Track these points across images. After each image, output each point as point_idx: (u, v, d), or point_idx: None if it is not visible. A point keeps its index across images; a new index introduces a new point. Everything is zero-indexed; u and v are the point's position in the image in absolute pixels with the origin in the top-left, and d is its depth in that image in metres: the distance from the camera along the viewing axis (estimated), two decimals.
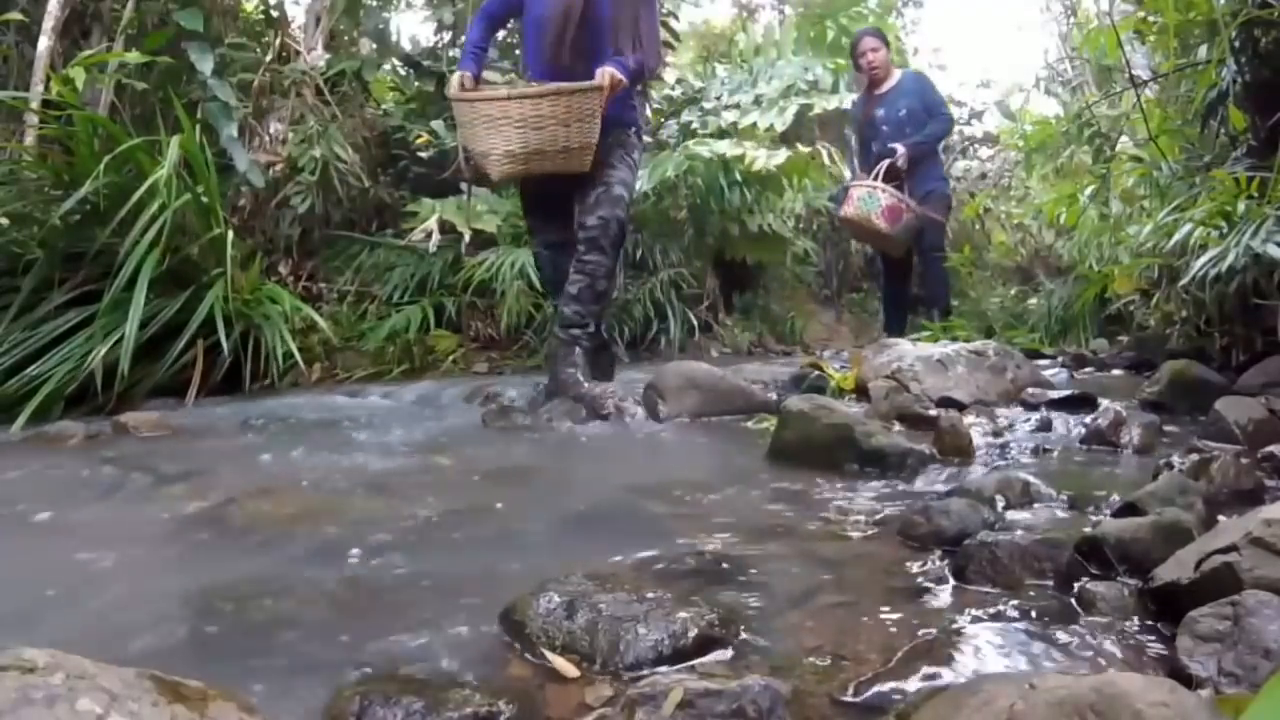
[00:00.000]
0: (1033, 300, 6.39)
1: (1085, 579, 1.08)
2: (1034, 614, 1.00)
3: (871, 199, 4.54)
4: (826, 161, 5.94)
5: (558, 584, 1.00)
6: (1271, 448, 1.63)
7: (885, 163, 4.58)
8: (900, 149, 4.57)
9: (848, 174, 5.35)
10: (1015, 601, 1.03)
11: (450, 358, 4.27)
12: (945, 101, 5.01)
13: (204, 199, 3.39)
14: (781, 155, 5.07)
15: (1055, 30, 8.79)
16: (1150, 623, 0.97)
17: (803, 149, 5.44)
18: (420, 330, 4.29)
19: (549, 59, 2.84)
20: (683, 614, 0.94)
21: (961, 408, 2.34)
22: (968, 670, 0.87)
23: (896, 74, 4.90)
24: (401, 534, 1.42)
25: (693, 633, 0.92)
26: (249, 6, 5.12)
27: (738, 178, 5.35)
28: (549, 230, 3.01)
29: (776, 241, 5.92)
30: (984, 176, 4.17)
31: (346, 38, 5.55)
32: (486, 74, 4.73)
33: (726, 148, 5.04)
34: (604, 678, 0.88)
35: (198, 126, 3.73)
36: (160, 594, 1.15)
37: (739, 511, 1.51)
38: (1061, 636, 0.94)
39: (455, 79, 2.88)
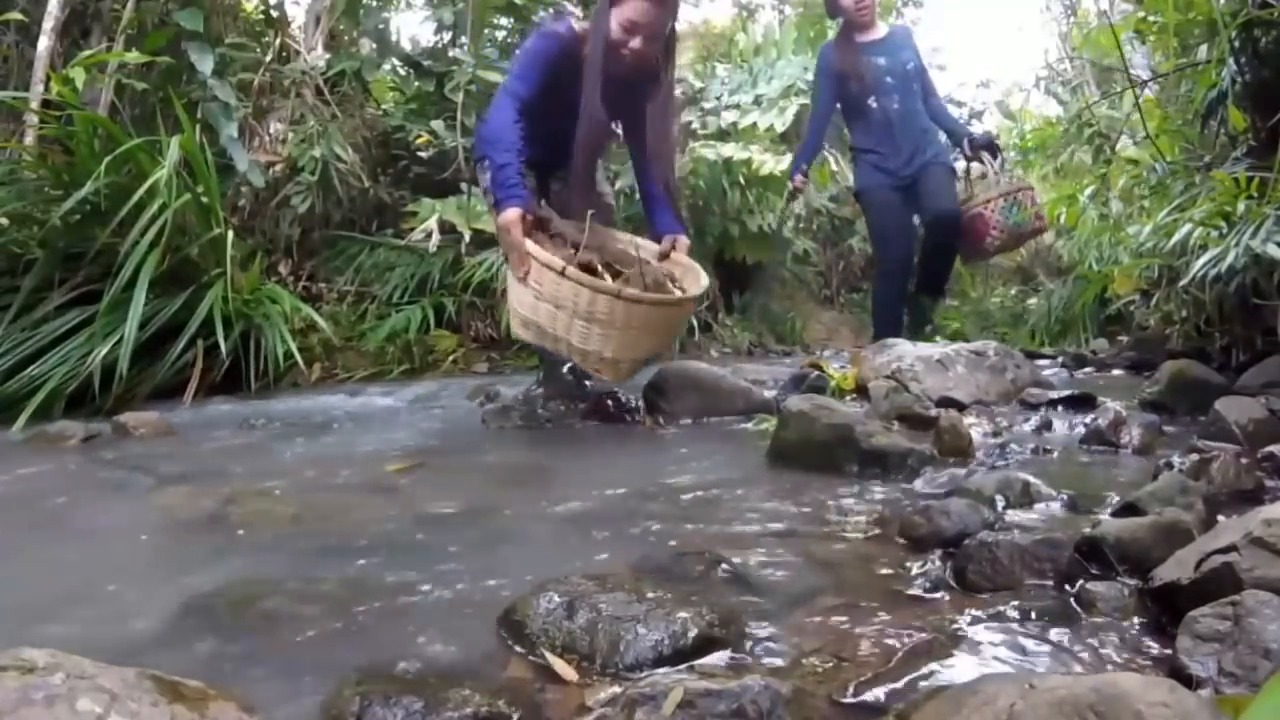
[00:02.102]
0: (1033, 300, 6.40)
1: (1085, 579, 1.08)
2: (1034, 614, 1.00)
3: (1018, 207, 3.95)
4: (834, 167, 5.93)
5: (558, 584, 1.00)
6: (1271, 448, 1.63)
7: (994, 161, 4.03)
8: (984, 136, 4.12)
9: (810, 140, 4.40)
10: (1015, 602, 1.03)
11: (450, 358, 4.27)
12: None
13: (204, 199, 3.39)
14: (788, 159, 5.04)
15: (1055, 30, 8.81)
16: (1150, 623, 0.97)
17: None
18: (420, 330, 4.29)
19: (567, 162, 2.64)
20: (683, 614, 0.94)
21: (961, 408, 2.34)
22: (968, 670, 0.87)
23: (883, 23, 4.28)
24: (401, 534, 1.42)
25: (693, 633, 0.92)
26: (249, 6, 5.12)
27: (740, 179, 5.35)
28: None
29: (776, 241, 5.93)
30: (984, 177, 4.13)
31: (346, 38, 5.55)
32: (483, 73, 4.76)
33: (733, 151, 5.04)
34: (604, 678, 0.88)
35: (198, 126, 3.74)
36: (160, 594, 1.15)
37: (739, 512, 1.51)
38: (1061, 636, 0.94)
39: (513, 217, 2.23)
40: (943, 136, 4.28)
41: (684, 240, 2.58)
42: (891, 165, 4.08)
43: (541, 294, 2.21)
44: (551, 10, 5.36)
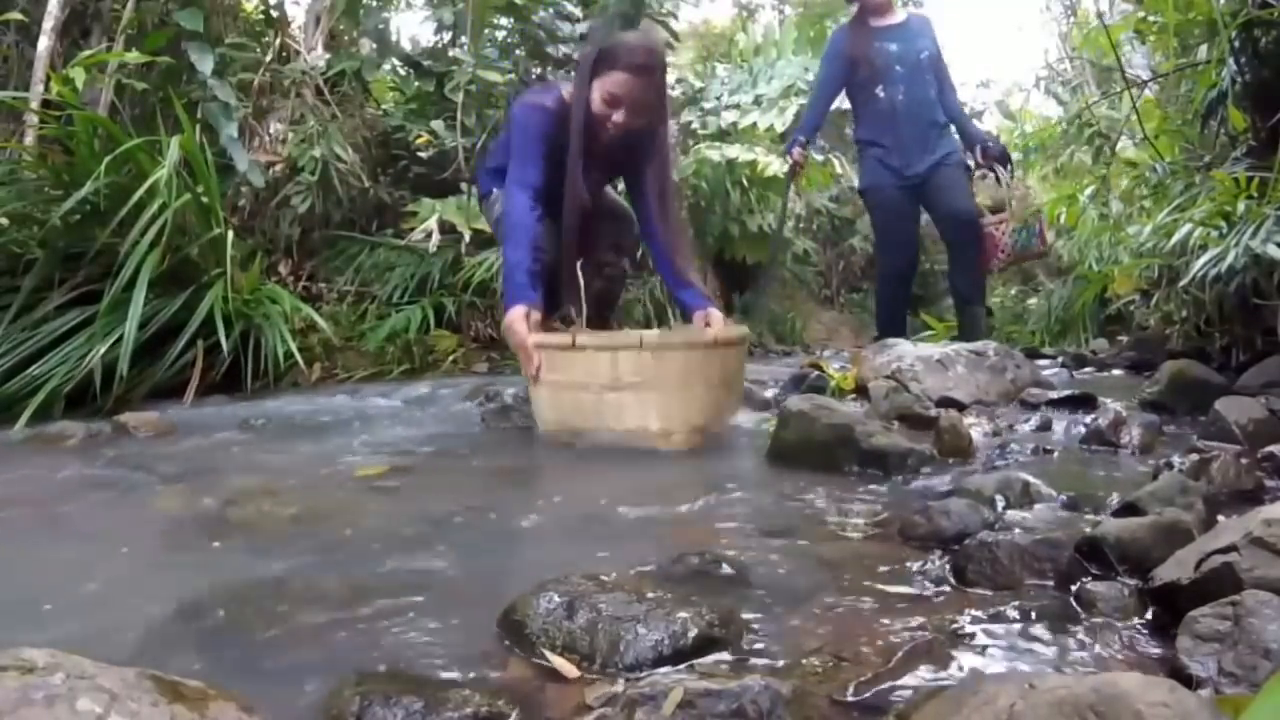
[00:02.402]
0: (1033, 300, 6.40)
1: (1085, 579, 1.08)
2: (1034, 614, 1.00)
3: (1029, 233, 3.85)
4: (838, 170, 5.93)
5: (558, 584, 1.00)
6: (1271, 448, 1.63)
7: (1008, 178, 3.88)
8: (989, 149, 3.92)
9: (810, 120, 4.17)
10: (1015, 601, 1.03)
11: (450, 358, 4.27)
12: None
13: (204, 199, 3.39)
14: None
15: (1055, 30, 8.82)
16: (1150, 623, 0.97)
17: (815, 156, 5.38)
18: (420, 330, 4.29)
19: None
20: (683, 614, 0.94)
21: (961, 408, 2.34)
22: (968, 670, 0.87)
23: (900, 10, 4.05)
24: (401, 534, 1.42)
25: (693, 633, 0.92)
26: (249, 6, 5.12)
27: (742, 179, 5.35)
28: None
29: (777, 241, 5.93)
30: (984, 177, 4.11)
31: (346, 38, 5.55)
32: (483, 73, 4.77)
33: (738, 152, 5.04)
34: (604, 678, 0.88)
35: (198, 126, 3.74)
36: (160, 594, 1.15)
37: (739, 512, 1.51)
38: (1061, 636, 0.94)
39: (516, 315, 2.13)
40: (955, 133, 4.07)
41: (717, 314, 2.43)
42: (896, 161, 3.85)
43: (561, 383, 2.02)
44: (551, 10, 5.36)
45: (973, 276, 3.95)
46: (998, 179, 3.95)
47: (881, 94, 3.84)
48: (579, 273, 2.44)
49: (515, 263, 2.25)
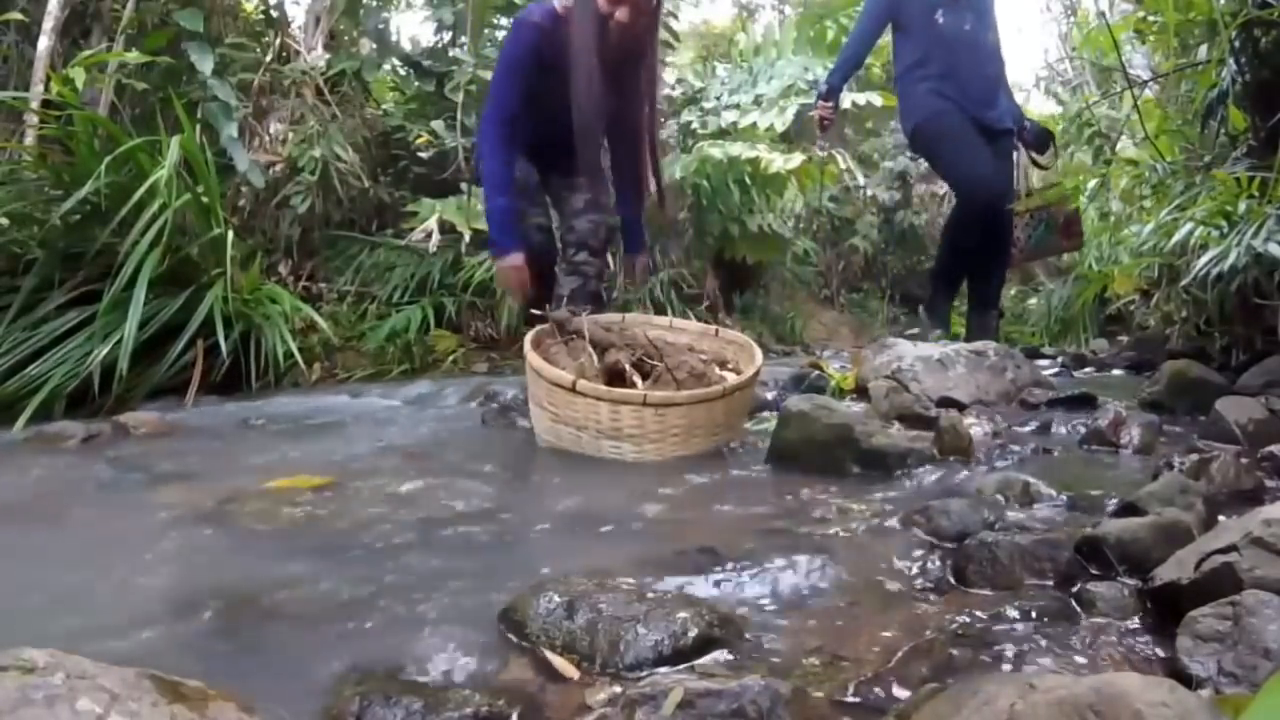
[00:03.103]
0: (1033, 300, 6.40)
1: (1085, 579, 1.08)
2: (1034, 614, 1.00)
3: (1048, 227, 3.56)
4: (842, 165, 5.91)
5: (558, 584, 1.00)
6: (1271, 448, 1.63)
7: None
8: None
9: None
10: (1015, 601, 1.03)
11: (450, 358, 4.27)
12: None
13: (204, 199, 3.39)
14: (797, 159, 5.02)
15: (1055, 30, 8.82)
16: (1150, 623, 0.97)
17: (819, 154, 5.36)
18: (420, 330, 4.29)
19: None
20: (683, 614, 0.94)
21: (961, 408, 2.34)
22: (968, 670, 0.87)
23: None
24: (401, 534, 1.42)
25: (693, 633, 0.92)
26: (249, 6, 5.12)
27: (744, 177, 5.35)
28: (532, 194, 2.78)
29: (776, 241, 5.93)
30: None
31: (346, 38, 5.55)
32: (483, 73, 4.77)
33: (741, 150, 5.03)
34: (604, 678, 0.88)
35: (198, 126, 3.74)
36: (160, 594, 1.15)
37: (739, 511, 1.51)
38: (1061, 636, 0.94)
39: (510, 265, 2.34)
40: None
41: (644, 261, 2.60)
42: (955, 93, 3.31)
43: (559, 416, 1.94)
44: None
45: (997, 280, 3.66)
46: (1035, 164, 3.64)
47: (942, 20, 3.33)
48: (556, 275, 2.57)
49: (494, 210, 2.44)
